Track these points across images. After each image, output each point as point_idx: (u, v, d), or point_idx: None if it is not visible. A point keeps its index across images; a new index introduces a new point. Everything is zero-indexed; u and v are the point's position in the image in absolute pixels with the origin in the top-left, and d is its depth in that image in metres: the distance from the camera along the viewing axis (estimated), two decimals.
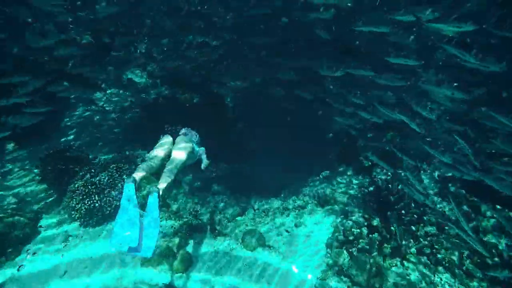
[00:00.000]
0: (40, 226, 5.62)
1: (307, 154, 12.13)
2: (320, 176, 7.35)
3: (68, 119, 7.79)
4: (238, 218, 6.18)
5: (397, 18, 5.37)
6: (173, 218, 6.20)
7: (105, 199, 5.58)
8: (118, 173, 5.94)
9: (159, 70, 8.86)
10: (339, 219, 6.03)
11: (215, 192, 8.23)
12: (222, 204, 7.45)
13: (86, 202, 5.47)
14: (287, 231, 5.97)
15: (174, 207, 6.70)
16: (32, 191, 6.13)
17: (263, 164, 11.36)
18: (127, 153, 6.82)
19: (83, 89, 8.12)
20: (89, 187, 5.56)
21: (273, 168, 11.45)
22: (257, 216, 6.44)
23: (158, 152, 4.34)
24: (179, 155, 4.26)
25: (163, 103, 8.98)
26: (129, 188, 3.51)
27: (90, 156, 6.55)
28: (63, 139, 7.36)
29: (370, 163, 6.86)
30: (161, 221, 6.05)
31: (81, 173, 5.85)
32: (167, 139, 4.60)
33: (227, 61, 9.05)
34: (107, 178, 5.72)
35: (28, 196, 6.05)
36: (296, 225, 6.03)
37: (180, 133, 4.78)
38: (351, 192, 6.51)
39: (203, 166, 4.73)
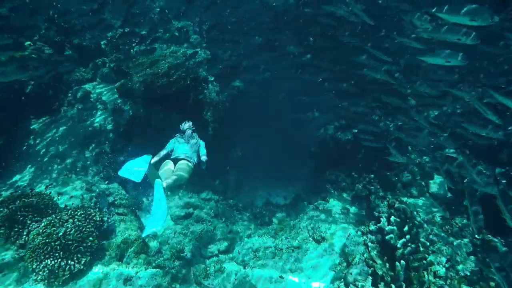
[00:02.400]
0: None
1: (294, 165, 11.58)
2: (313, 205, 6.78)
3: (25, 147, 6.75)
4: (226, 266, 5.53)
5: None
6: (152, 264, 5.50)
7: (71, 255, 4.78)
8: (87, 221, 5.13)
9: (132, 85, 7.93)
10: (337, 261, 5.53)
11: (198, 219, 7.57)
12: (206, 234, 6.83)
13: (48, 263, 4.65)
14: (281, 277, 5.40)
15: (155, 246, 5.99)
16: None
17: (248, 176, 10.77)
18: (98, 191, 5.95)
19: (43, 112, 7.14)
20: (52, 243, 4.73)
21: (259, 183, 10.87)
22: (247, 258, 5.83)
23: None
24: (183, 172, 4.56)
25: (137, 122, 8.10)
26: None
27: (52, 197, 5.65)
28: (18, 176, 6.34)
29: (367, 192, 6.36)
30: (138, 272, 5.35)
31: (42, 224, 4.98)
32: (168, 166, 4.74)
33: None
34: (73, 230, 4.90)
35: None
36: (291, 270, 5.48)
37: (185, 131, 5.08)
38: (348, 227, 6.00)
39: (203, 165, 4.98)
